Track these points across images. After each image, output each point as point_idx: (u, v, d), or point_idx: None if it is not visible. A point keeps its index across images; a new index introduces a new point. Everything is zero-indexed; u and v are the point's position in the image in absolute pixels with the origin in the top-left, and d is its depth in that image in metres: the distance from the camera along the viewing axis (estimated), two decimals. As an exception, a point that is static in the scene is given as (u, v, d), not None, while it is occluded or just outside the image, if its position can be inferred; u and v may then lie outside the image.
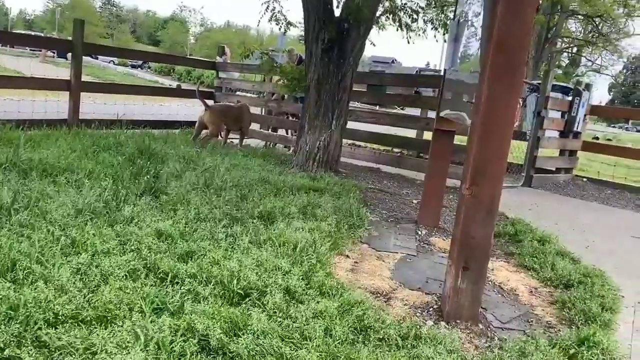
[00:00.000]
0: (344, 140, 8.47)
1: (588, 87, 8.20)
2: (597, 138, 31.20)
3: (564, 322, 3.02)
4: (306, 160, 6.38)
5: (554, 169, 8.26)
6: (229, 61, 10.08)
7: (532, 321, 3.01)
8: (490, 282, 3.52)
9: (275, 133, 9.08)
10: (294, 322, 2.34)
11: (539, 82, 7.58)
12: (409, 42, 7.00)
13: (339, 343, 2.27)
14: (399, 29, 6.92)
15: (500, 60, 2.61)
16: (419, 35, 7.09)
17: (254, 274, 2.71)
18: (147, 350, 1.91)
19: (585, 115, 8.12)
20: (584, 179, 8.56)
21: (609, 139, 31.74)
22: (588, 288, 3.40)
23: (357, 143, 9.02)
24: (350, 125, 7.84)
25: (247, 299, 2.53)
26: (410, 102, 7.89)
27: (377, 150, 8.29)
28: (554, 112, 7.70)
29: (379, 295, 3.08)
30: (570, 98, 7.98)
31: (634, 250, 4.80)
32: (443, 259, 3.81)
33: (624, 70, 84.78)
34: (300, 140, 6.52)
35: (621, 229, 5.65)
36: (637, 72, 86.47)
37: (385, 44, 9.15)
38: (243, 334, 2.16)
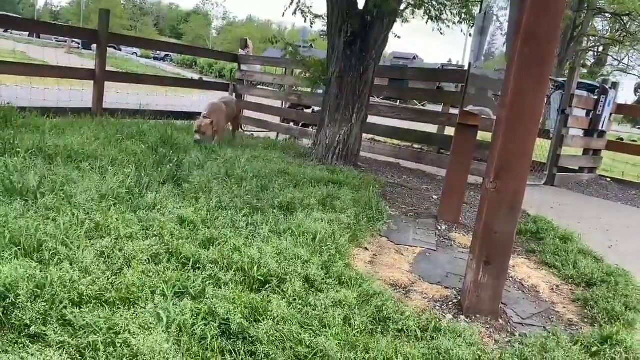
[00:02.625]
0: (364, 135, 8.49)
1: (615, 85, 8.04)
2: (622, 139, 30.61)
3: (586, 320, 2.98)
4: (326, 154, 6.38)
5: (577, 168, 8.13)
6: (251, 54, 10.11)
7: (553, 318, 2.98)
8: (511, 279, 3.49)
9: (295, 127, 9.09)
10: (313, 310, 2.35)
11: (564, 79, 7.46)
12: (441, 33, 6.95)
13: (357, 332, 2.28)
14: (429, 20, 6.87)
15: (527, 51, 2.57)
16: (449, 27, 7.03)
17: (274, 262, 2.73)
18: (169, 332, 1.93)
19: (610, 115, 7.97)
20: (608, 179, 8.41)
21: (634, 140, 31.12)
22: (612, 287, 3.35)
23: (377, 138, 9.00)
24: (371, 119, 7.83)
25: (267, 286, 2.55)
26: (432, 97, 7.82)
27: (397, 145, 8.25)
28: (578, 110, 7.56)
29: (398, 287, 3.07)
30: (596, 97, 7.83)
31: (658, 251, 4.71)
32: (463, 254, 3.79)
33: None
34: (320, 133, 6.52)
35: (646, 229, 5.55)
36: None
37: (406, 40, 9.12)
38: (263, 320, 2.17)
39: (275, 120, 9.54)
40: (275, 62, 9.18)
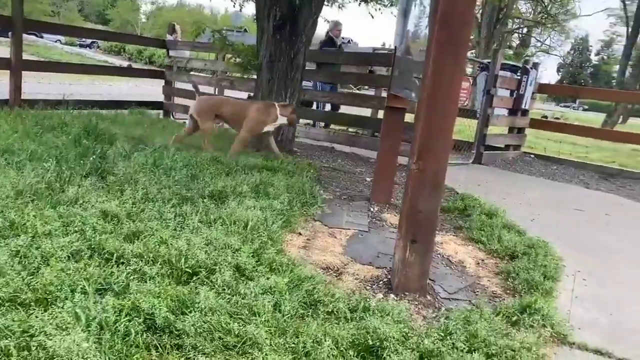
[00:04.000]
0: (301, 120, 8.47)
1: (535, 65, 8.43)
2: (546, 117, 32.22)
3: (508, 291, 3.13)
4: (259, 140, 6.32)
5: (503, 146, 8.50)
6: (179, 39, 9.82)
7: (478, 291, 3.11)
8: (439, 255, 3.61)
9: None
10: (243, 299, 2.34)
11: (489, 61, 7.73)
12: (372, 17, 7.00)
13: (288, 317, 2.29)
14: (362, 3, 6.91)
15: (444, 35, 2.63)
16: (378, 10, 7.10)
17: (202, 253, 2.68)
18: (89, 331, 1.86)
19: (533, 94, 8.35)
20: (532, 156, 8.84)
21: (557, 118, 32.84)
22: (532, 258, 3.53)
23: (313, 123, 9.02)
24: (305, 104, 7.84)
25: (196, 278, 2.50)
26: (364, 80, 7.90)
27: (331, 130, 8.29)
28: (503, 90, 7.89)
29: (330, 270, 3.11)
30: (518, 77, 8.17)
31: (576, 222, 5.01)
32: (394, 234, 3.86)
33: (572, 51, 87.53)
34: (254, 119, 6.43)
35: (565, 202, 5.87)
36: (583, 52, 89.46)
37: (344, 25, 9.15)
38: (190, 312, 2.14)
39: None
40: (205, 48, 8.96)
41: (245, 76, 7.25)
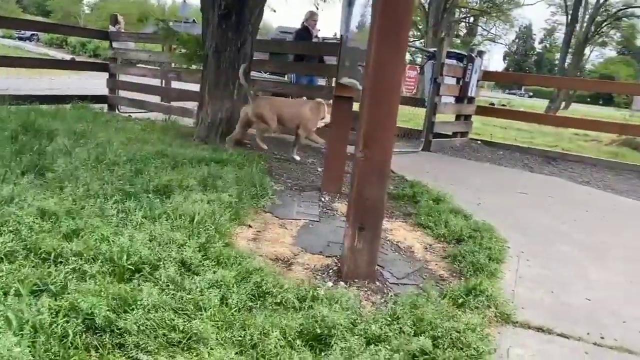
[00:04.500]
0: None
1: (480, 53, 8.62)
2: (494, 104, 33.15)
3: (454, 274, 3.20)
4: (209, 132, 6.22)
5: (451, 133, 8.67)
6: (122, 30, 9.50)
7: (426, 276, 3.16)
8: (388, 242, 3.65)
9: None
10: (188, 294, 2.29)
11: (435, 49, 7.86)
12: (317, 7, 6.96)
13: (235, 311, 2.26)
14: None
15: (385, 23, 2.64)
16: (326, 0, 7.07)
17: (146, 249, 2.61)
18: (21, 335, 1.77)
19: (478, 81, 8.55)
20: (478, 142, 9.07)
21: (503, 105, 33.86)
22: (477, 242, 3.62)
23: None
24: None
25: (139, 274, 2.44)
26: (314, 70, 7.87)
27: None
28: (449, 78, 8.03)
29: (280, 261, 3.09)
30: (464, 65, 8.33)
31: (520, 205, 5.17)
32: (344, 223, 3.89)
33: (517, 40, 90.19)
34: (201, 111, 6.32)
35: (510, 186, 6.05)
36: (527, 41, 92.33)
37: (294, 15, 9.05)
38: (132, 310, 2.08)
39: (156, 99, 9.11)
40: (150, 39, 8.71)
41: (194, 67, 7.08)
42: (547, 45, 78.31)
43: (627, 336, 2.58)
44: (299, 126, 5.87)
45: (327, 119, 5.69)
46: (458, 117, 8.81)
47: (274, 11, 7.07)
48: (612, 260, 3.74)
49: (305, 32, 8.87)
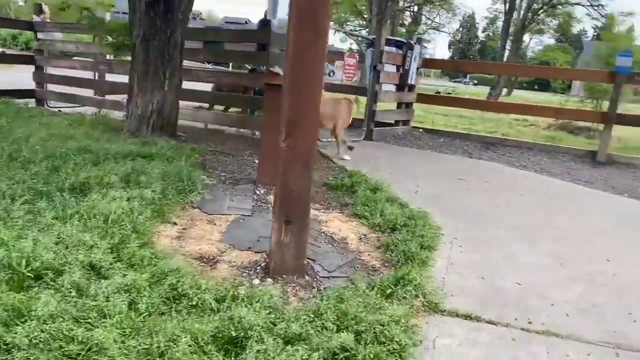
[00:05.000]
0: (189, 103, 8.07)
1: (419, 40, 8.63)
2: (439, 92, 33.75)
3: (387, 264, 3.12)
4: (139, 125, 5.92)
5: (392, 121, 8.66)
6: (48, 20, 8.95)
7: (358, 267, 3.07)
8: (322, 234, 3.55)
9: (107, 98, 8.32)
10: (93, 301, 2.10)
11: (374, 37, 7.80)
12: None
13: (146, 315, 2.09)
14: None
15: (303, 6, 2.51)
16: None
17: (50, 253, 2.39)
18: None
19: (418, 69, 8.56)
20: (420, 130, 9.11)
21: (449, 93, 34.52)
22: (410, 230, 3.57)
23: (205, 105, 8.65)
24: (191, 85, 7.47)
25: (41, 281, 2.22)
26: (250, 58, 7.64)
27: (221, 111, 7.99)
28: (389, 66, 7.99)
29: (205, 259, 2.93)
30: (403, 52, 8.30)
31: (457, 191, 5.18)
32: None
33: (460, 28, 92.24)
34: (131, 103, 6.01)
35: (449, 173, 6.07)
36: (471, 29, 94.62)
37: (243, 5, 8.69)
38: (25, 322, 1.87)
39: (88, 93, 8.66)
40: (77, 29, 8.23)
41: (124, 57, 6.73)
42: (490, 34, 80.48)
43: (554, 320, 2.57)
44: (336, 125, 6.10)
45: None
46: (399, 105, 8.80)
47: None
48: (544, 242, 3.78)
49: (269, 22, 8.38)
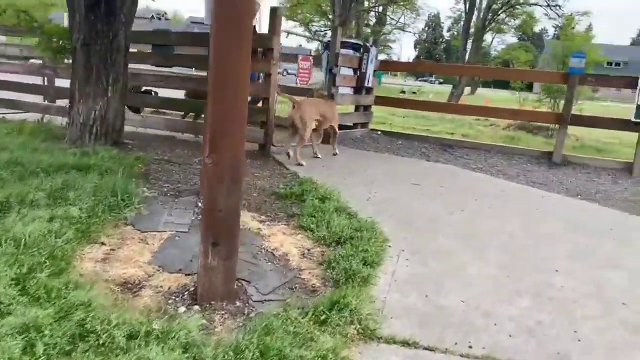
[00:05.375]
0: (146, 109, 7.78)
1: (375, 43, 8.52)
2: (404, 91, 33.97)
3: (327, 283, 2.96)
4: (81, 134, 5.63)
5: (351, 124, 8.52)
6: (-13, 22, 8.51)
7: (296, 287, 2.90)
8: (263, 250, 3.36)
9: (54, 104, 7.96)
10: (-20, 346, 1.87)
11: (329, 39, 7.64)
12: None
13: (44, 359, 1.87)
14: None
15: (225, 5, 2.32)
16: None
17: (-60, 289, 2.14)
18: None
19: (374, 71, 8.44)
20: (379, 132, 9.00)
21: (414, 92, 34.78)
22: (355, 243, 3.41)
23: (161, 111, 8.36)
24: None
25: None
26: (199, 62, 7.40)
27: (172, 117, 7.71)
28: (345, 69, 7.85)
29: (129, 285, 2.71)
30: (359, 55, 8.17)
31: (411, 197, 5.06)
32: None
33: (426, 28, 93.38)
34: (73, 111, 5.71)
35: (404, 177, 5.95)
36: (436, 29, 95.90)
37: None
38: None
39: (34, 99, 8.26)
40: (16, 32, 7.84)
41: (57, 62, 6.41)
42: (455, 33, 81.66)
43: (496, 341, 2.45)
44: (333, 125, 6.67)
45: None
46: (357, 108, 8.68)
47: (153, 0, 6.49)
48: (493, 251, 3.68)
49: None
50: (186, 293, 2.67)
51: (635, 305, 2.92)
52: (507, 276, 3.25)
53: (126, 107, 6.18)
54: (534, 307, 2.83)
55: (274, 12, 6.13)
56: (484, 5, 28.53)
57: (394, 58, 41.23)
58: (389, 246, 3.58)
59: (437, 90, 39.09)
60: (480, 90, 44.03)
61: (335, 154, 6.92)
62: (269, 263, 3.19)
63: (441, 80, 64.66)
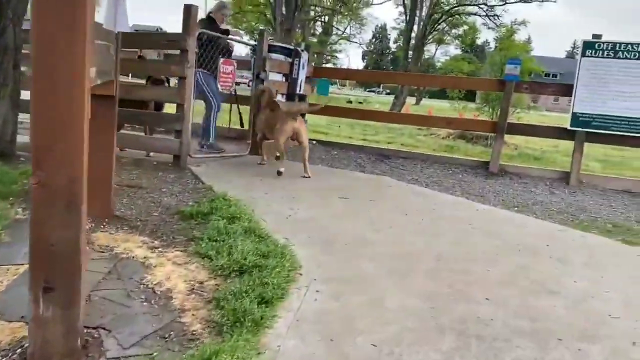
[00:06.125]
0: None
1: (307, 48, 8.07)
2: (351, 101, 33.90)
3: (211, 327, 2.41)
4: (-41, 146, 4.87)
5: (283, 133, 8.00)
6: None
7: (171, 335, 2.33)
8: (142, 286, 2.78)
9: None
10: None
11: (255, 43, 7.14)
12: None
13: None
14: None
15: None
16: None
17: None
18: None
19: (307, 77, 7.99)
20: (314, 142, 8.54)
21: (360, 102, 34.80)
22: (259, 273, 2.89)
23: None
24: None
25: None
26: (132, 67, 6.76)
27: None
28: (275, 74, 7.35)
29: (-57, 343, 2.07)
30: (290, 60, 7.69)
31: (336, 213, 4.59)
32: (97, 261, 2.96)
33: (373, 39, 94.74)
34: (-51, 119, 4.94)
35: (333, 190, 5.48)
36: (383, 40, 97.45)
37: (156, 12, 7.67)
38: None
39: None
40: None
41: None
42: (400, 44, 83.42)
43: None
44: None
45: None
46: (290, 116, 8.16)
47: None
48: (417, 277, 3.23)
49: (209, 25, 6.88)
50: (18, 351, 2.06)
51: (570, 342, 2.52)
52: (431, 308, 2.79)
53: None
54: (458, 348, 2.37)
55: (187, 11, 5.57)
56: (424, 15, 28.86)
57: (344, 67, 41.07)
58: (300, 274, 3.07)
59: (383, 100, 39.34)
60: (426, 101, 44.71)
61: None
62: (145, 303, 2.60)
63: (388, 91, 65.50)
